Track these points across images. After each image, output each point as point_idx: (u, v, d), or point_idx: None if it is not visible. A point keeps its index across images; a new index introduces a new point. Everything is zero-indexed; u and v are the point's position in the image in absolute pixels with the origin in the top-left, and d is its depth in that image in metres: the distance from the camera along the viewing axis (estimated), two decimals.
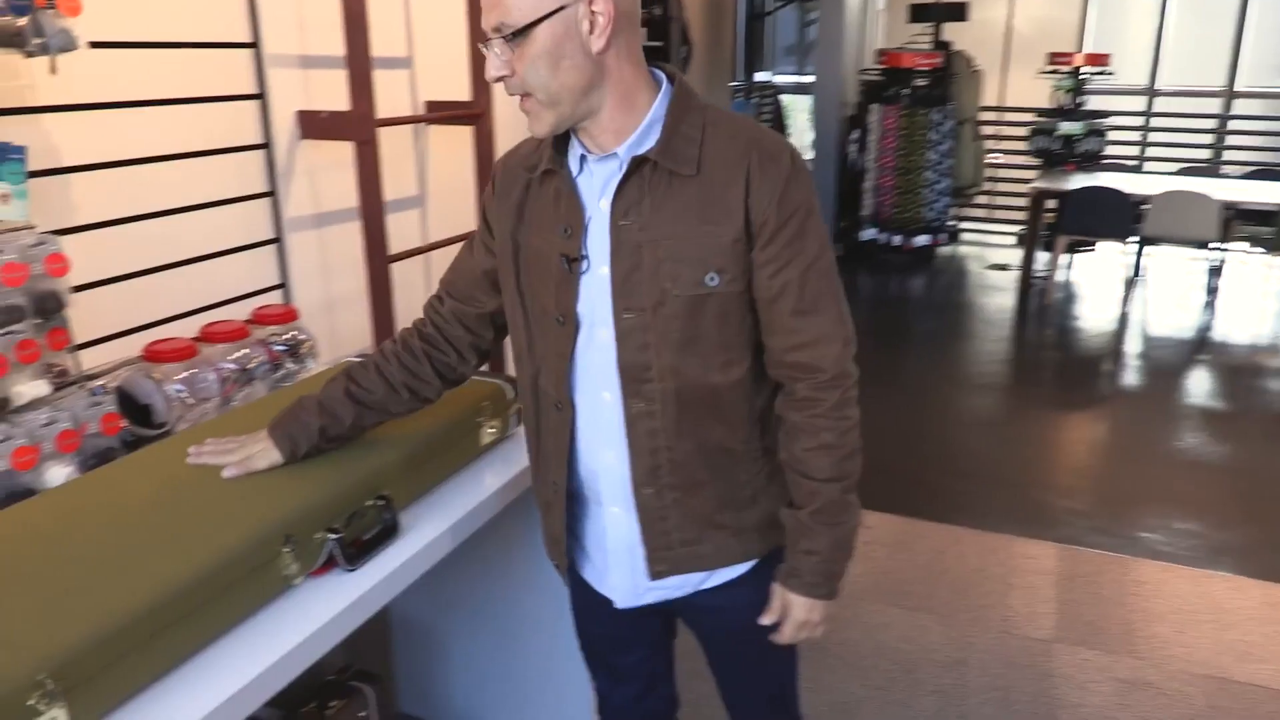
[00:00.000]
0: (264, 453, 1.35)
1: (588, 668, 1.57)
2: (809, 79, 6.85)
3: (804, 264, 1.18)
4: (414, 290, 2.60)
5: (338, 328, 2.31)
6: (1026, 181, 6.75)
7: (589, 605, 1.44)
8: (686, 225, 1.16)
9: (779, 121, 7.18)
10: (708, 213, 1.16)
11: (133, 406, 1.65)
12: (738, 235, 1.16)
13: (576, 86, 1.13)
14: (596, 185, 1.21)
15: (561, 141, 1.23)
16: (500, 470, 1.60)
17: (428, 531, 1.40)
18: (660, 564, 1.29)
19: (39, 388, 1.43)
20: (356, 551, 1.30)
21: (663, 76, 1.21)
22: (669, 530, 1.27)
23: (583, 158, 1.22)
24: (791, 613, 1.28)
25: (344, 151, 2.19)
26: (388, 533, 1.36)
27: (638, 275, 1.18)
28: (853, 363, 1.23)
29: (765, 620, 1.30)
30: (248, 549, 1.16)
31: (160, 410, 1.66)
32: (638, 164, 1.17)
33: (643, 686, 1.53)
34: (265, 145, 2.04)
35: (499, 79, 1.16)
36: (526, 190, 1.27)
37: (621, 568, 1.33)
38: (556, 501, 1.33)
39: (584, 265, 1.21)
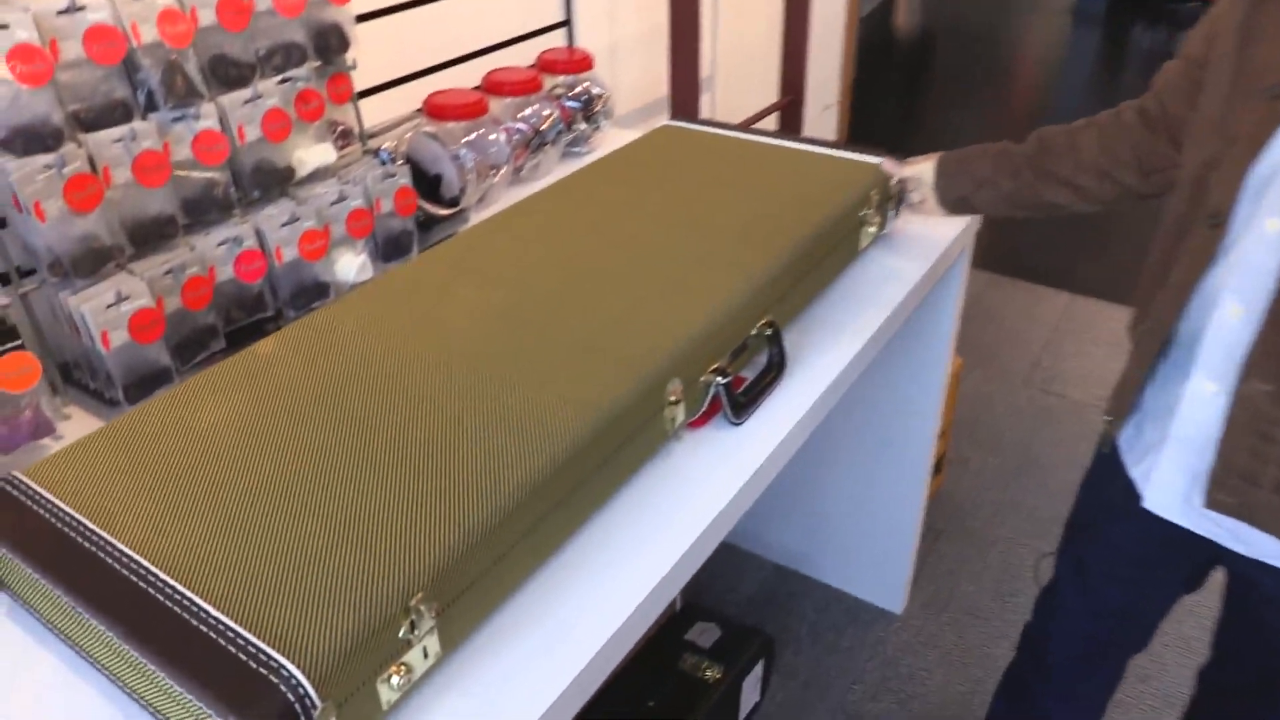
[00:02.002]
0: (922, 167, 1.21)
1: (1061, 539, 1.19)
2: None
3: None
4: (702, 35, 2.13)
5: (623, 78, 1.90)
6: None
7: (1105, 478, 1.05)
8: None
9: None
10: None
11: (417, 176, 1.33)
12: None
13: None
14: None
15: None
16: (883, 281, 1.21)
17: (821, 368, 1.05)
18: (1223, 493, 0.86)
19: (324, 153, 1.12)
20: (745, 398, 0.97)
21: None
22: (1266, 458, 0.83)
23: None
24: None
25: None
26: (775, 372, 1.02)
27: None
28: None
29: None
30: (637, 395, 0.84)
31: (451, 181, 1.34)
32: None
33: (1111, 617, 1.14)
34: None
35: None
36: None
37: (1177, 464, 0.92)
38: (1145, 344, 0.94)
39: None
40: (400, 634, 0.64)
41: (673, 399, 0.89)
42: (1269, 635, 1.00)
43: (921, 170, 1.21)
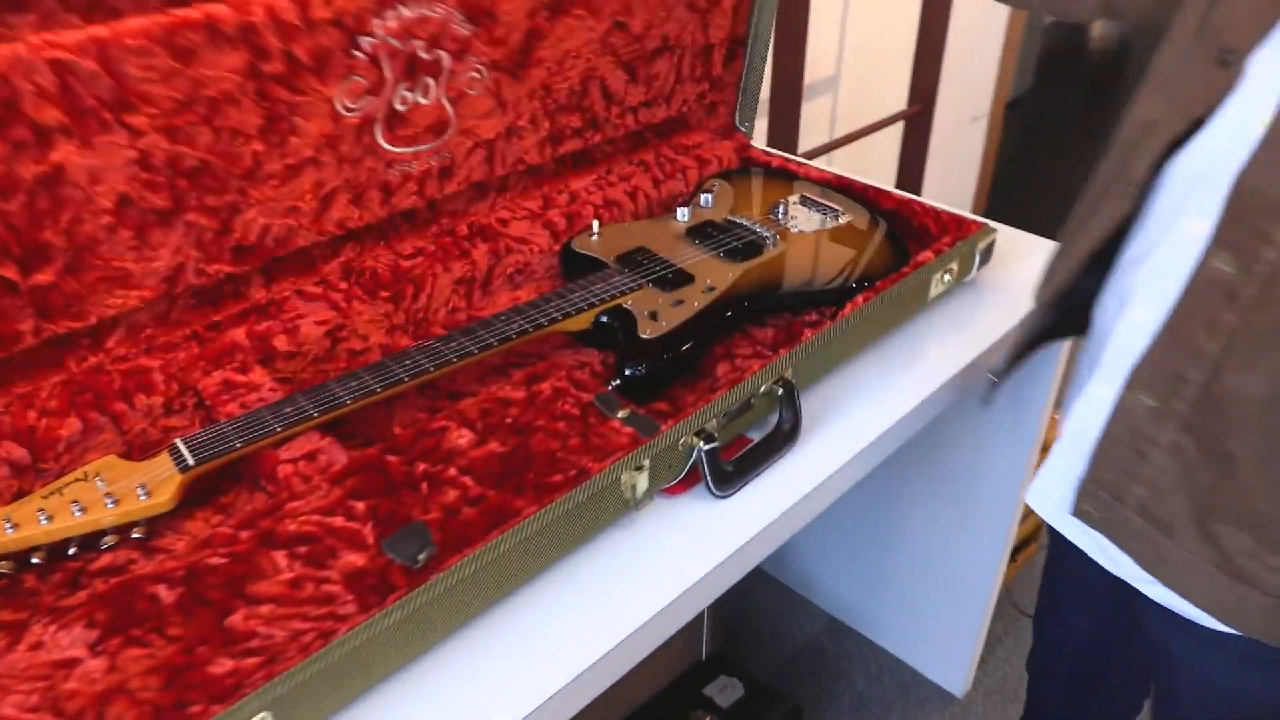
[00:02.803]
0: None
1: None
2: None
3: None
4: None
5: None
6: None
7: None
8: None
9: None
10: None
11: None
12: None
13: None
14: None
15: None
16: (952, 339, 1.04)
17: (843, 439, 0.89)
18: (1088, 502, 0.80)
19: None
20: (735, 469, 0.83)
21: None
22: (1134, 476, 0.75)
23: None
24: None
25: None
26: (781, 441, 0.87)
27: None
28: None
29: None
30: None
31: None
32: None
33: (1083, 651, 1.09)
34: None
35: None
36: None
37: (1063, 465, 0.84)
38: (1038, 309, 0.88)
39: None
40: None
41: (637, 468, 0.76)
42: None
43: None
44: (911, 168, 2.05)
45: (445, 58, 0.93)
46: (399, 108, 0.92)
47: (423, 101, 0.93)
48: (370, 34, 0.86)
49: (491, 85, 1.00)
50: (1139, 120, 0.75)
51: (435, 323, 1.02)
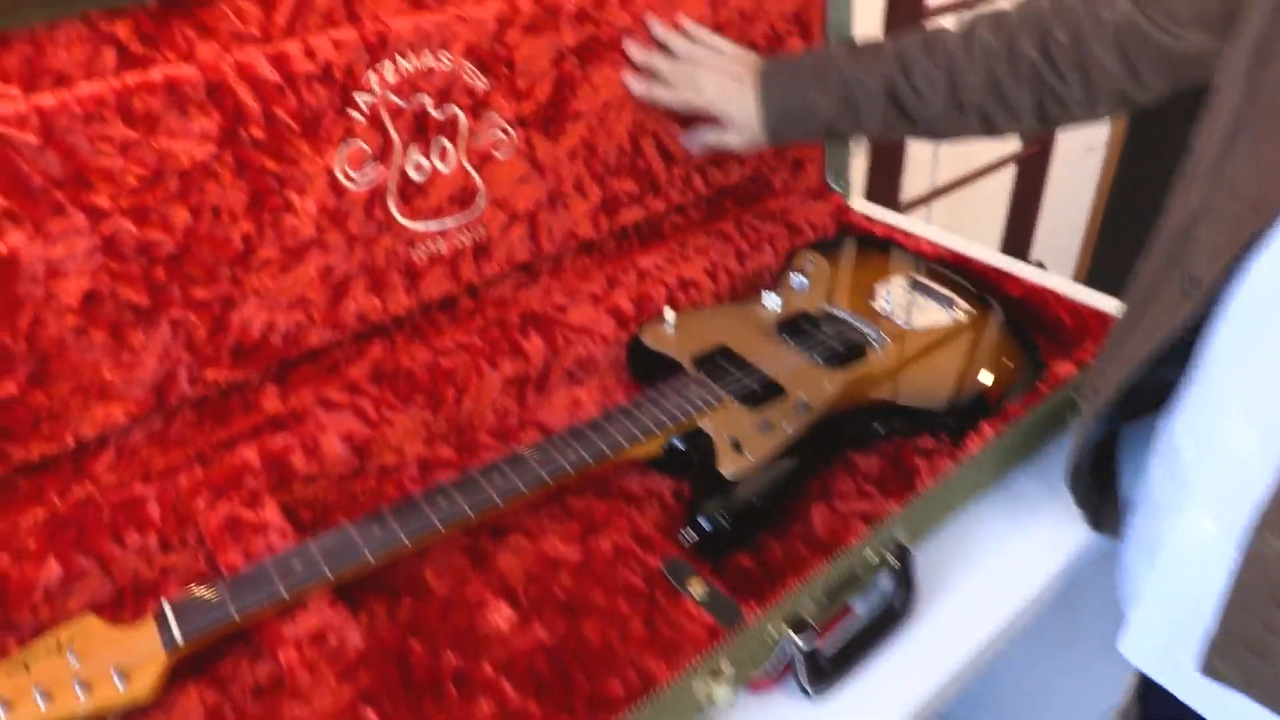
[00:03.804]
0: (735, 102, 0.93)
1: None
2: None
3: None
4: None
5: None
6: None
7: None
8: None
9: None
10: None
11: None
12: None
13: None
14: None
15: None
16: None
17: (967, 615, 0.73)
18: (1224, 662, 0.67)
19: None
20: (833, 661, 0.67)
21: None
22: (1277, 629, 0.63)
23: None
24: None
25: None
26: (890, 620, 0.71)
27: None
28: None
29: None
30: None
31: None
32: None
33: None
34: None
35: None
36: None
37: (1160, 610, 0.72)
38: (1088, 428, 0.74)
39: None
40: None
41: (715, 671, 0.61)
42: None
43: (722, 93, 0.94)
44: (1022, 221, 1.84)
45: (461, 116, 0.79)
46: (414, 176, 0.78)
47: (442, 168, 0.80)
48: (366, 90, 0.72)
49: (523, 146, 0.85)
50: (1190, 208, 0.66)
51: (482, 428, 0.88)
